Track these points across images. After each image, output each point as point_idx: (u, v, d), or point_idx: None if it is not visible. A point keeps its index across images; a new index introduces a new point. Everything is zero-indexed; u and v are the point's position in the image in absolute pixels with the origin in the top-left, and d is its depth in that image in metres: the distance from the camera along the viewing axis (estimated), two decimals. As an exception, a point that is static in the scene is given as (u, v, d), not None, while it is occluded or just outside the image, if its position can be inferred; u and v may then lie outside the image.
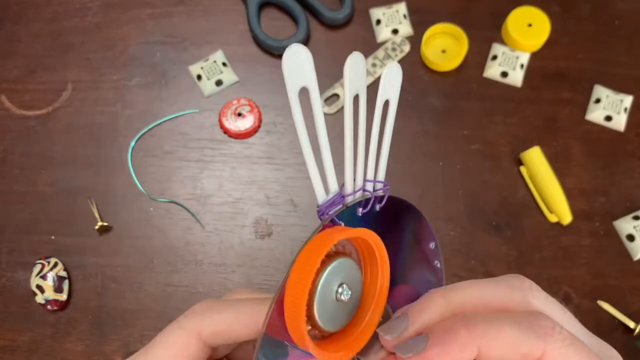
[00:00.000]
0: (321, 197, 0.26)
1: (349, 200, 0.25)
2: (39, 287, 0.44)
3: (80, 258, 0.47)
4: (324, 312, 0.22)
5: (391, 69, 0.27)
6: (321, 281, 0.21)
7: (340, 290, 0.22)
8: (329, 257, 0.22)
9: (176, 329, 0.24)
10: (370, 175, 0.27)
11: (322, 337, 0.23)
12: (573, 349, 0.20)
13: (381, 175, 0.27)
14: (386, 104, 0.28)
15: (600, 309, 0.45)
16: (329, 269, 0.22)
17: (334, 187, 0.26)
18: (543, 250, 0.46)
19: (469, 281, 0.22)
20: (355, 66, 0.24)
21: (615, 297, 0.45)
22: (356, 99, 0.26)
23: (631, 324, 0.44)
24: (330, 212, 0.25)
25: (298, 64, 0.24)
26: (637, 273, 0.46)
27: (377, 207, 0.26)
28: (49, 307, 0.44)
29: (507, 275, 0.22)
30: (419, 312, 0.21)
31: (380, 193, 0.26)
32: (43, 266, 0.45)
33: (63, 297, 0.45)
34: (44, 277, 0.44)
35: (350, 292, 0.23)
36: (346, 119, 0.25)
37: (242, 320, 0.24)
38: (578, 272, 0.46)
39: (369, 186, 0.26)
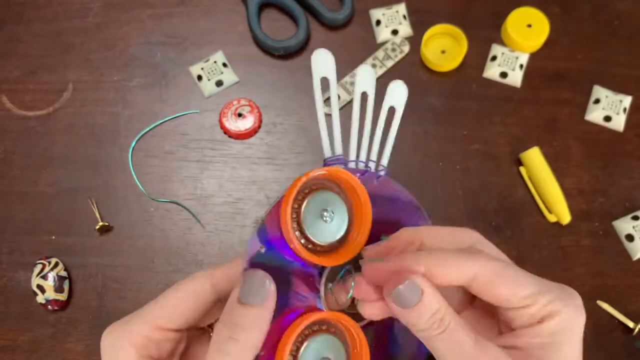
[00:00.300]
0: (327, 153, 0.37)
1: (350, 165, 0.36)
2: (39, 287, 0.44)
3: (80, 258, 0.47)
4: (311, 227, 0.30)
5: (397, 85, 0.39)
6: (305, 202, 0.30)
7: (325, 213, 0.30)
8: (317, 190, 0.31)
9: (188, 280, 0.30)
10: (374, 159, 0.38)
11: (317, 252, 0.31)
12: (497, 261, 0.27)
13: (385, 161, 0.37)
14: (391, 109, 0.39)
15: (600, 308, 0.45)
16: (313, 194, 0.30)
17: (338, 151, 0.37)
18: (542, 250, 0.46)
19: (434, 226, 0.31)
20: (365, 73, 0.37)
21: (614, 297, 0.45)
22: (364, 96, 0.39)
23: (630, 324, 0.44)
24: (329, 164, 0.34)
25: (323, 61, 0.36)
26: (636, 273, 0.46)
27: (375, 181, 0.35)
28: (49, 307, 0.44)
29: (463, 228, 0.31)
30: (392, 238, 0.30)
31: (381, 173, 0.36)
32: (44, 266, 0.45)
33: (63, 297, 0.45)
34: (44, 277, 0.44)
35: (333, 216, 0.31)
36: (355, 108, 0.37)
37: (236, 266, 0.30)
38: (577, 272, 0.46)
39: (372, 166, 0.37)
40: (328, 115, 0.50)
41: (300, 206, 0.30)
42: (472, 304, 0.32)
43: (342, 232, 0.31)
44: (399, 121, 0.40)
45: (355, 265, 0.32)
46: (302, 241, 0.30)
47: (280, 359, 0.28)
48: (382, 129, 0.40)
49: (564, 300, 0.28)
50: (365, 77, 0.39)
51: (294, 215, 0.30)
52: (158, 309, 0.29)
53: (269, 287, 0.27)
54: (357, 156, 0.38)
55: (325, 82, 0.39)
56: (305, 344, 0.29)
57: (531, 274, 0.29)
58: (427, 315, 0.26)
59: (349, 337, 0.30)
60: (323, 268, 0.33)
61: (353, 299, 0.32)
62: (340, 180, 0.31)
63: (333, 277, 0.32)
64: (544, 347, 0.27)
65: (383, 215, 0.34)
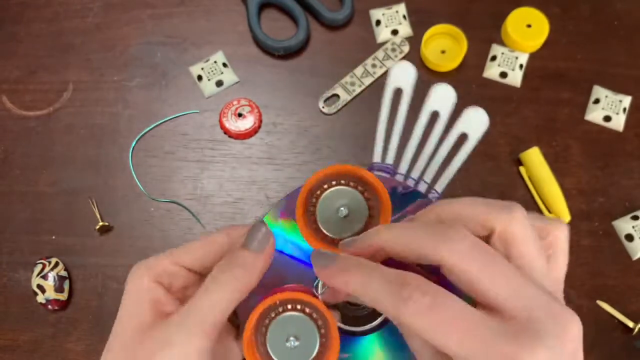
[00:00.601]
0: (376, 158, 0.37)
1: (398, 177, 0.36)
2: (39, 287, 0.44)
3: (81, 258, 0.47)
4: (325, 222, 0.31)
5: (476, 112, 0.39)
6: (323, 196, 0.31)
7: (342, 209, 0.31)
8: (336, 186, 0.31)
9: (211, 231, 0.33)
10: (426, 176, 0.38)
11: (327, 243, 0.31)
12: (473, 255, 0.23)
13: (440, 187, 0.38)
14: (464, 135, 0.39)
15: (600, 308, 0.45)
16: (330, 190, 0.31)
17: (389, 161, 0.37)
18: (542, 250, 0.46)
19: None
20: (443, 92, 0.38)
21: (614, 296, 0.45)
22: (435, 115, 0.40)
23: (630, 324, 0.44)
24: (374, 170, 0.34)
25: (401, 73, 0.37)
26: (636, 273, 0.46)
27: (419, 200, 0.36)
28: (49, 306, 0.45)
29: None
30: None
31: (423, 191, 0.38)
32: (44, 266, 0.45)
33: (64, 297, 0.45)
34: (44, 277, 0.45)
35: (347, 211, 0.31)
36: (419, 125, 0.39)
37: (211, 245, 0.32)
38: (577, 271, 0.46)
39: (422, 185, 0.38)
40: (328, 115, 0.50)
41: (318, 198, 0.31)
42: None
43: (356, 230, 0.32)
44: (469, 151, 0.38)
45: None
46: (314, 230, 0.32)
47: (249, 323, 0.29)
48: (446, 151, 0.38)
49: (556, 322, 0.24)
50: (442, 96, 0.37)
51: (311, 208, 0.31)
52: (179, 248, 0.33)
53: (270, 239, 0.30)
54: (408, 172, 0.38)
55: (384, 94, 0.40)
56: (276, 318, 0.30)
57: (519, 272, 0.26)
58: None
59: (323, 322, 0.30)
60: None
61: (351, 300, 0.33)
62: (364, 179, 0.31)
63: None
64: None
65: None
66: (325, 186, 0.32)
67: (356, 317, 0.33)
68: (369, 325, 0.32)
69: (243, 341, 0.30)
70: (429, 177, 0.37)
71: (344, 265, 0.26)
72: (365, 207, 0.32)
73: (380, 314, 0.33)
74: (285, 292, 0.30)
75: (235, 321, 0.37)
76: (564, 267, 0.28)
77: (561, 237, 0.28)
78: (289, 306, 0.30)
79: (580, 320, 0.23)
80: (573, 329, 0.23)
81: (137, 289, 0.31)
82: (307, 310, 0.31)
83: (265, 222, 0.31)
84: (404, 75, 0.37)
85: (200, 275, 0.33)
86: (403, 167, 0.37)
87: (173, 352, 0.28)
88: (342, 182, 0.32)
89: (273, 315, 0.30)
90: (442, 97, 0.37)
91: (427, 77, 0.51)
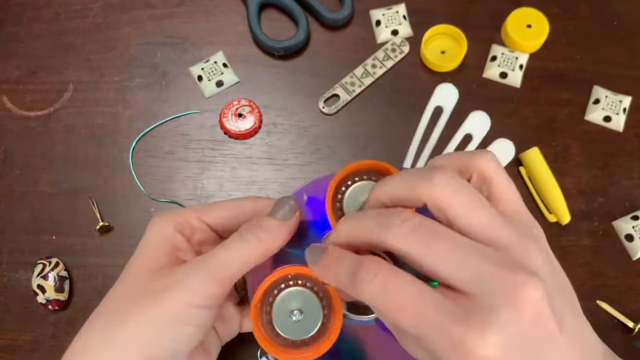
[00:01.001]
0: (406, 165, 0.41)
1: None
2: (40, 287, 0.44)
3: (81, 258, 0.47)
4: (350, 211, 0.32)
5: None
6: (349, 190, 0.33)
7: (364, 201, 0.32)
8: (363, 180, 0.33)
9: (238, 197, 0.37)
10: None
11: None
12: (453, 189, 0.24)
13: None
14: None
15: (599, 308, 0.45)
16: (357, 184, 0.33)
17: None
18: (542, 250, 0.46)
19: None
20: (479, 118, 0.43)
21: (614, 296, 0.45)
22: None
23: (630, 324, 0.44)
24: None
25: (446, 93, 0.42)
26: (636, 273, 0.46)
27: None
28: (50, 307, 0.45)
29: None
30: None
31: None
32: (44, 266, 0.45)
33: (64, 297, 0.45)
34: (45, 277, 0.45)
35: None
36: (453, 144, 0.43)
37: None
38: (577, 272, 0.46)
39: None
40: (328, 115, 0.50)
41: (345, 190, 0.33)
42: None
43: None
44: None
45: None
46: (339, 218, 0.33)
47: (257, 294, 0.31)
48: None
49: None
50: (477, 122, 0.42)
51: (339, 197, 0.33)
52: (205, 206, 0.35)
53: (295, 212, 0.32)
54: None
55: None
56: (282, 292, 0.32)
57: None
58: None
59: (327, 297, 0.32)
60: None
61: None
62: (387, 172, 0.33)
63: None
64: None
65: None
66: (349, 182, 0.33)
67: (364, 306, 0.33)
68: (373, 314, 0.33)
69: (250, 310, 0.31)
70: None
71: (326, 259, 0.27)
72: None
73: None
74: (294, 266, 0.31)
75: (240, 292, 0.38)
76: (512, 192, 0.27)
77: (489, 166, 0.27)
78: (299, 281, 0.32)
79: (538, 276, 0.22)
80: (527, 290, 0.21)
81: (159, 234, 0.33)
82: (313, 287, 0.32)
83: (292, 197, 0.33)
84: (447, 96, 0.43)
85: (220, 236, 0.35)
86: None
87: (187, 291, 0.29)
88: (365, 177, 0.33)
89: (282, 286, 0.32)
90: (477, 123, 0.43)
91: (427, 78, 0.51)
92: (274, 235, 0.31)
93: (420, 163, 0.43)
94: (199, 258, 0.31)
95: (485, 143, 0.48)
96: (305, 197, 0.35)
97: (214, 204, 0.35)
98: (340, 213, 0.32)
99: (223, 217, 0.34)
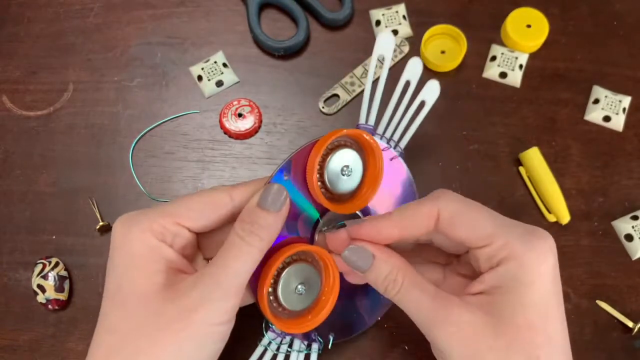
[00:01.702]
0: (362, 120, 0.42)
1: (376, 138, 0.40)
2: (40, 286, 0.44)
3: (81, 258, 0.47)
4: (332, 180, 0.36)
5: (433, 84, 0.44)
6: (332, 155, 0.36)
7: (345, 169, 0.36)
8: (339, 148, 0.36)
9: (208, 189, 0.34)
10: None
11: (333, 200, 0.37)
12: (458, 202, 0.31)
13: (402, 145, 0.43)
14: (422, 102, 0.44)
15: (599, 308, 0.45)
16: (339, 150, 0.36)
17: (371, 123, 0.42)
18: (542, 250, 0.46)
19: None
20: (414, 65, 0.43)
21: (613, 296, 0.45)
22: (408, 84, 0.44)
23: (630, 324, 0.44)
24: (361, 128, 0.40)
25: (384, 41, 0.42)
26: (635, 273, 0.46)
27: (389, 160, 0.41)
28: (50, 306, 0.45)
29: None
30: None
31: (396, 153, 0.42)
32: (44, 266, 0.45)
33: (64, 296, 0.45)
34: (45, 277, 0.45)
35: (352, 172, 0.36)
36: (396, 94, 0.44)
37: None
38: (576, 271, 0.46)
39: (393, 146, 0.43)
40: (328, 115, 0.50)
41: (325, 158, 0.36)
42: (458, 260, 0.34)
43: (354, 186, 0.37)
44: (425, 115, 0.44)
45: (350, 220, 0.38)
46: (320, 185, 0.36)
47: (265, 278, 0.33)
48: (409, 117, 0.44)
49: (527, 242, 0.28)
50: (413, 68, 0.43)
51: (319, 165, 0.35)
52: (177, 206, 0.32)
53: (285, 198, 0.32)
54: (384, 133, 0.43)
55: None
56: (286, 270, 0.34)
57: (497, 214, 0.30)
58: (381, 278, 0.30)
59: (324, 269, 0.35)
60: (321, 217, 0.39)
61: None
62: (364, 142, 0.36)
63: (327, 226, 0.37)
64: (506, 291, 0.28)
65: (386, 188, 0.40)
66: (335, 144, 0.36)
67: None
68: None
69: (258, 293, 0.33)
70: (397, 136, 0.44)
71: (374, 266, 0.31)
72: (360, 168, 0.37)
73: None
74: (294, 245, 0.34)
75: None
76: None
77: (453, 204, 0.31)
78: (300, 257, 0.35)
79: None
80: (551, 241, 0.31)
81: (143, 248, 0.31)
82: (312, 261, 0.35)
83: (279, 183, 0.33)
84: (387, 44, 0.42)
85: (196, 234, 0.34)
86: (380, 129, 0.43)
87: (212, 312, 0.29)
88: (343, 143, 0.37)
89: (285, 264, 0.34)
90: (412, 69, 0.44)
91: (427, 77, 0.51)
92: (273, 230, 0.31)
93: (371, 118, 0.44)
94: (211, 271, 0.30)
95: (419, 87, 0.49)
96: (285, 178, 0.36)
97: (183, 202, 0.33)
98: (319, 174, 0.36)
99: (200, 218, 0.32)
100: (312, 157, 0.35)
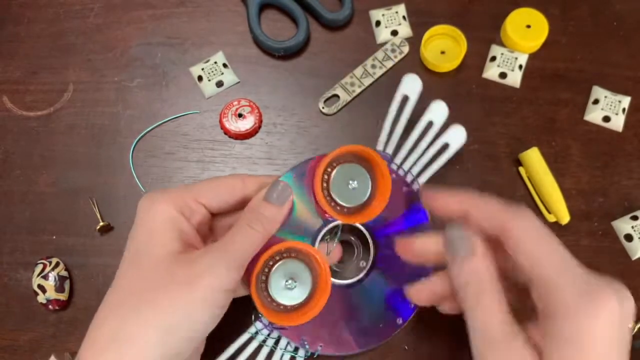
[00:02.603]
0: (379, 147, 0.45)
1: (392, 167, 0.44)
2: (40, 287, 0.45)
3: (81, 258, 0.47)
4: (338, 193, 0.39)
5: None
6: (334, 172, 0.39)
7: (351, 182, 0.39)
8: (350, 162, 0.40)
9: (224, 175, 0.39)
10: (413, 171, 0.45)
11: (344, 213, 0.39)
12: (537, 230, 0.29)
13: (422, 180, 0.45)
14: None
15: (599, 308, 0.45)
16: (339, 167, 0.39)
17: (389, 152, 0.45)
18: (542, 250, 0.46)
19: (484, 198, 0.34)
20: (411, 82, 0.45)
21: (613, 296, 0.45)
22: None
23: (630, 324, 0.44)
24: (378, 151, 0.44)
25: (411, 83, 0.45)
26: (635, 273, 0.46)
27: (404, 188, 0.43)
28: (50, 306, 0.45)
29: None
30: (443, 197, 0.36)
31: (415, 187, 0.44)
32: (44, 266, 0.45)
33: (64, 296, 0.45)
34: (45, 277, 0.45)
35: (357, 184, 0.39)
36: (418, 128, 0.46)
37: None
38: (576, 271, 0.46)
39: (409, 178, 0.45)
40: (328, 115, 0.50)
41: (331, 172, 0.40)
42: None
43: (362, 200, 0.40)
44: (447, 159, 0.45)
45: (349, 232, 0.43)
46: (328, 198, 0.39)
47: (256, 270, 0.36)
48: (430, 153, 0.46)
49: (585, 294, 0.26)
50: (437, 110, 0.45)
51: (325, 177, 0.39)
52: (198, 186, 0.36)
53: (289, 195, 0.36)
54: (402, 163, 0.45)
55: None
56: (277, 264, 0.37)
57: (570, 256, 0.29)
58: (471, 273, 0.30)
59: (317, 266, 0.37)
60: (323, 225, 0.41)
61: (340, 260, 0.43)
62: (370, 157, 0.40)
63: (329, 235, 0.42)
64: (555, 349, 0.26)
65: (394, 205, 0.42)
66: (340, 160, 0.40)
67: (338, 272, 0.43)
68: (352, 279, 0.42)
69: (251, 282, 0.36)
70: (415, 171, 0.45)
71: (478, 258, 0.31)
72: (368, 182, 0.40)
73: (360, 272, 0.42)
74: (286, 242, 0.37)
75: None
76: (554, 252, 0.29)
77: (528, 227, 0.30)
78: (290, 254, 0.37)
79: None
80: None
81: (163, 216, 0.34)
82: (304, 259, 0.38)
83: (285, 181, 0.37)
84: (412, 86, 0.45)
85: (211, 213, 0.37)
86: (398, 160, 0.45)
87: (217, 279, 0.32)
88: (350, 160, 0.40)
89: (277, 259, 0.37)
90: (437, 110, 0.45)
91: (427, 78, 0.51)
92: (275, 221, 0.35)
93: (390, 148, 0.46)
94: (219, 246, 0.34)
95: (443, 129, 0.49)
96: (294, 180, 0.41)
97: (204, 183, 0.37)
98: (327, 192, 0.39)
99: (216, 197, 0.36)
100: (317, 170, 0.39)
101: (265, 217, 0.35)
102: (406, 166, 0.45)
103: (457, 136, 0.45)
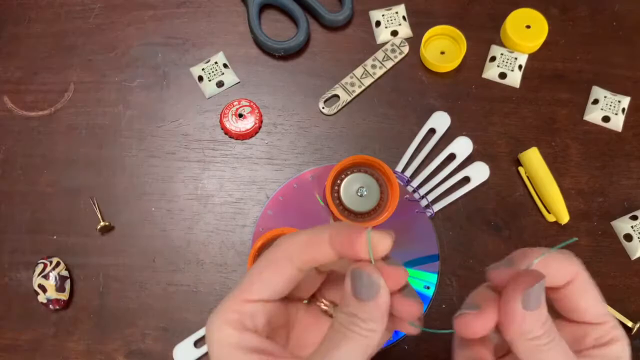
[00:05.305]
0: (399, 168, 0.48)
1: (408, 188, 0.48)
2: (41, 286, 0.45)
3: (82, 258, 0.47)
4: (348, 199, 0.44)
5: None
6: (345, 179, 0.45)
7: (359, 190, 0.45)
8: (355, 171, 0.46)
9: (273, 261, 0.29)
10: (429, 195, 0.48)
11: (348, 216, 0.44)
12: (587, 273, 0.29)
13: (436, 207, 0.47)
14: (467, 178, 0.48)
15: (598, 308, 0.45)
16: (351, 174, 0.45)
17: (408, 174, 0.48)
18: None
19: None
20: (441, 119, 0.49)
21: (613, 296, 0.45)
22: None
23: (629, 323, 0.44)
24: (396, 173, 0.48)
25: (440, 118, 0.49)
26: (634, 272, 0.46)
27: (417, 210, 0.47)
28: (51, 306, 0.45)
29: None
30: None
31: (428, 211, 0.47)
32: (45, 266, 0.45)
33: (65, 296, 0.45)
34: (46, 277, 0.45)
35: (366, 192, 0.44)
36: (439, 158, 0.49)
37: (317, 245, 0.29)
38: (576, 271, 0.46)
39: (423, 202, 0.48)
40: (328, 115, 0.50)
41: (342, 180, 0.45)
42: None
43: (370, 207, 0.44)
44: (467, 191, 0.48)
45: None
46: (340, 207, 0.45)
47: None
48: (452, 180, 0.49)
49: (619, 327, 0.30)
50: (462, 145, 0.48)
51: (338, 181, 0.45)
52: (241, 283, 0.29)
53: (379, 282, 0.27)
54: (418, 187, 0.47)
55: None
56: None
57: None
58: (543, 320, 0.27)
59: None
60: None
61: None
62: (380, 168, 0.45)
63: None
64: None
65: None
66: (348, 172, 0.45)
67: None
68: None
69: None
70: (431, 197, 0.48)
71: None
72: (377, 191, 0.45)
73: None
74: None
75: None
76: (596, 304, 0.30)
77: (580, 273, 0.29)
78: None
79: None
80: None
81: (229, 347, 0.28)
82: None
83: (365, 267, 0.27)
84: (441, 121, 0.49)
85: (290, 300, 0.31)
86: (415, 183, 0.48)
87: None
88: (359, 169, 0.45)
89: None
90: (461, 146, 0.49)
91: (427, 78, 0.51)
92: (372, 320, 0.27)
93: (409, 171, 0.48)
94: None
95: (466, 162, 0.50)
96: (311, 178, 0.46)
97: (246, 275, 0.30)
98: (337, 197, 0.44)
99: (267, 286, 0.29)
100: (330, 175, 0.44)
101: (362, 319, 0.27)
102: (422, 191, 0.48)
103: (479, 172, 0.48)
